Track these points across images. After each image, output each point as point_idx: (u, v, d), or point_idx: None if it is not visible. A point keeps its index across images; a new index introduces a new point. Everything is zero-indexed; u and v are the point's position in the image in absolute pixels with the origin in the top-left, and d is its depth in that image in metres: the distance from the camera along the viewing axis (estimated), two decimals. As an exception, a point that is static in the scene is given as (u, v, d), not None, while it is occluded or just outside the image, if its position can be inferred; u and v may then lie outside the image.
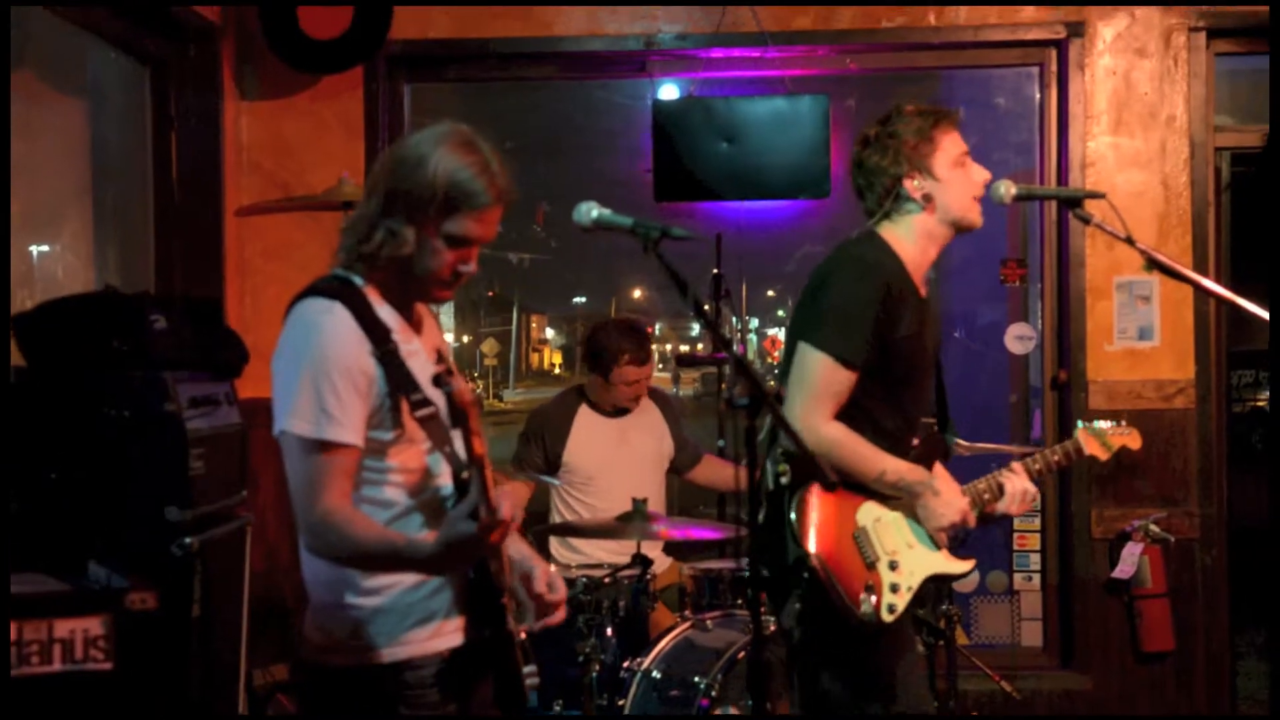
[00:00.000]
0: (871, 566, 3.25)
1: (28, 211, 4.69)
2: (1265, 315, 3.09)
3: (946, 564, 3.39)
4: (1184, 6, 5.46)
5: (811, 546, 3.19)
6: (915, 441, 3.44)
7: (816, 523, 3.22)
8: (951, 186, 3.38)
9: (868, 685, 3.31)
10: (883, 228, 3.44)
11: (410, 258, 2.54)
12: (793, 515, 3.22)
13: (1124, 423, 3.86)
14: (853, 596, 3.19)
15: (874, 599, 3.21)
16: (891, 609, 3.24)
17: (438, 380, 2.38)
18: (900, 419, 3.40)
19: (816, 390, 3.25)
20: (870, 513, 3.31)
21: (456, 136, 2.56)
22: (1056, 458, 3.64)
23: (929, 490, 3.32)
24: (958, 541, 3.41)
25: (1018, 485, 3.43)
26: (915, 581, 3.30)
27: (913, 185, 3.38)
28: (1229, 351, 5.74)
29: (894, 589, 3.26)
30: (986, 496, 3.43)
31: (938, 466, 3.44)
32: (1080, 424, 3.85)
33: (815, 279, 3.38)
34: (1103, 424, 3.83)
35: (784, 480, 3.24)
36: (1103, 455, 3.80)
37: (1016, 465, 3.50)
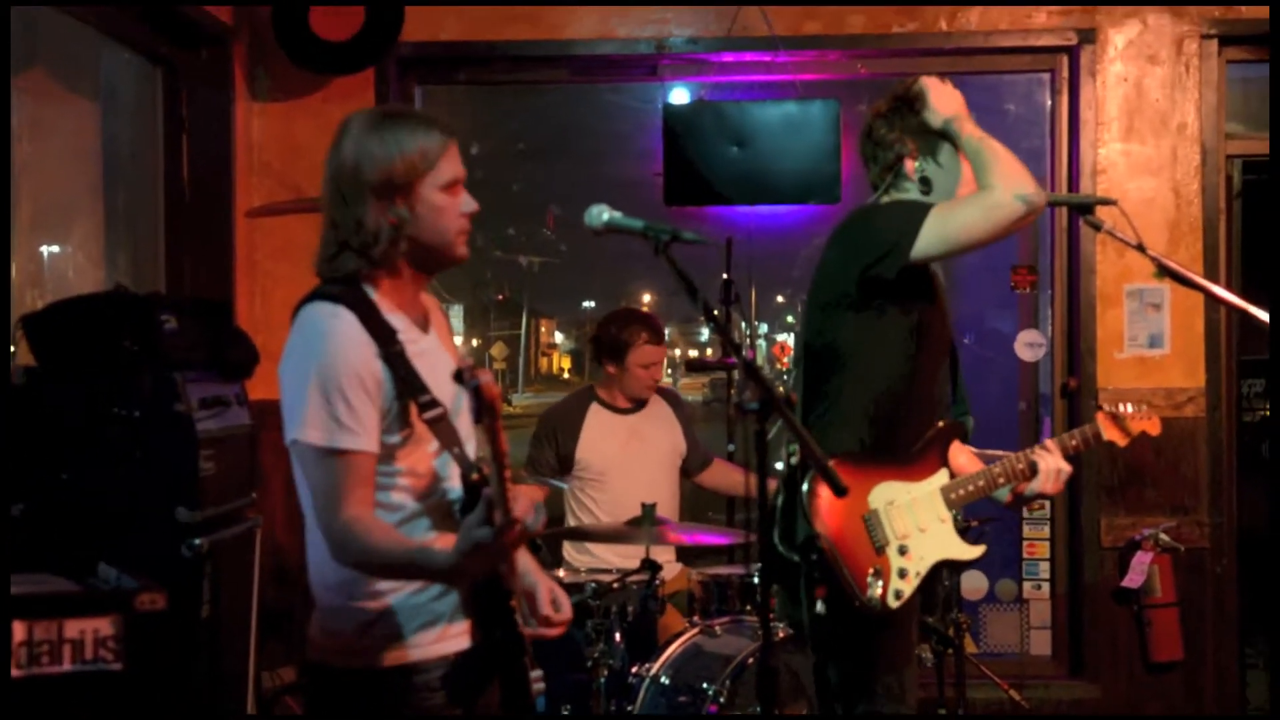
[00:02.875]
0: (880, 551, 3.20)
1: (39, 211, 4.70)
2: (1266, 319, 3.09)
3: (958, 549, 3.34)
4: (1196, 9, 5.46)
5: (820, 526, 3.14)
6: (939, 422, 3.39)
7: (828, 502, 3.16)
8: (953, 175, 3.34)
9: (864, 678, 3.25)
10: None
11: (417, 230, 2.54)
12: (805, 488, 3.15)
13: (1145, 407, 3.81)
14: (859, 580, 3.15)
15: (880, 584, 3.16)
16: (898, 595, 3.19)
17: (459, 376, 2.32)
18: (921, 393, 3.34)
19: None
20: (884, 494, 3.24)
21: (370, 116, 2.58)
22: (1075, 442, 3.59)
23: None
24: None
25: (1051, 463, 3.39)
26: (924, 567, 3.25)
27: (913, 167, 3.36)
28: (1240, 360, 5.72)
29: (902, 574, 3.21)
30: (1020, 466, 3.40)
31: (958, 445, 3.40)
32: (1103, 407, 3.82)
33: (825, 246, 3.36)
34: (1125, 407, 3.77)
35: (794, 460, 3.18)
36: (1122, 440, 3.75)
37: (1050, 443, 3.47)
